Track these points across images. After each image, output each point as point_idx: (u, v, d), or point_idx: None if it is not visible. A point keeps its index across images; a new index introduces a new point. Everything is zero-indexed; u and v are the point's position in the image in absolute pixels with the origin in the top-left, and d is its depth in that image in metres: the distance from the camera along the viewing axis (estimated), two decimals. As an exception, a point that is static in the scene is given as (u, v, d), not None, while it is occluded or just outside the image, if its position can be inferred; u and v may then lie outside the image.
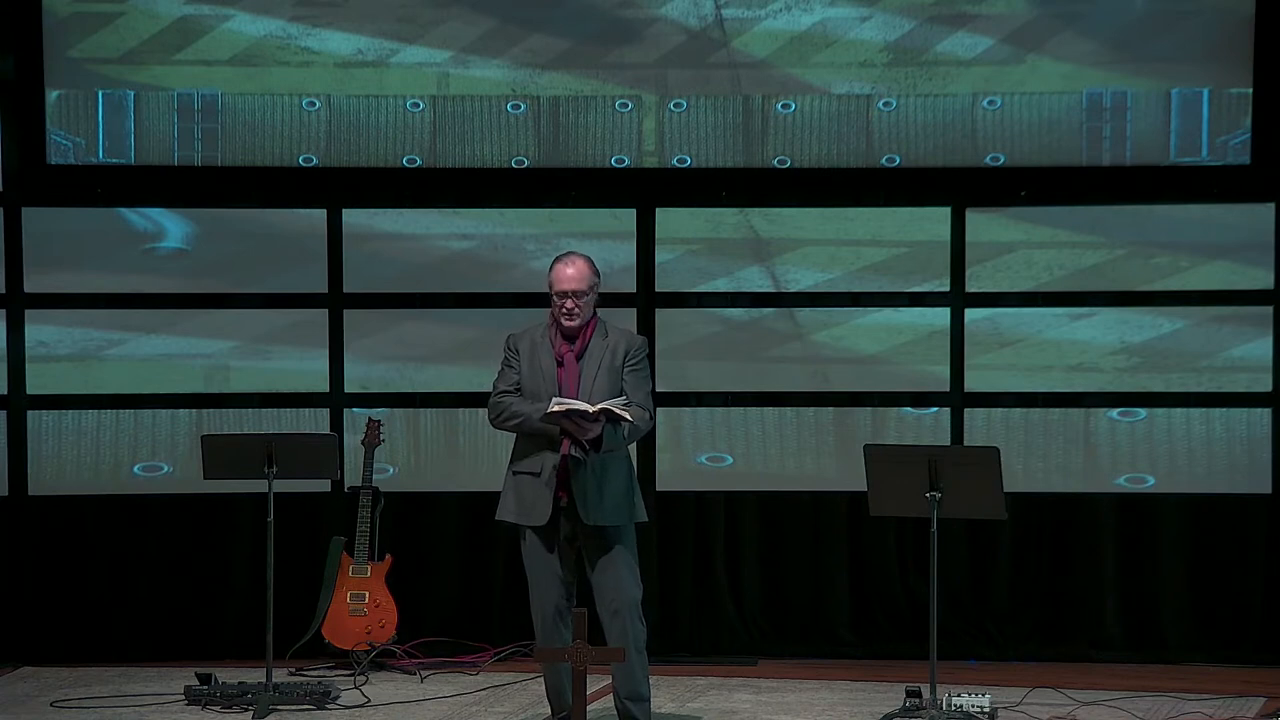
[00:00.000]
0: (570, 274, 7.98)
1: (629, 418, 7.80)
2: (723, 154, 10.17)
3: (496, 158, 10.21)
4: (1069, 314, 10.15)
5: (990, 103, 10.07)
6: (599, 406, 7.76)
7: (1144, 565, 10.12)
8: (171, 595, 10.23)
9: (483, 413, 10.21)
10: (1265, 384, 10.06)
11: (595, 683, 9.15)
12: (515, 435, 8.08)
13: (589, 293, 7.99)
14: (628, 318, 10.06)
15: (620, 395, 7.91)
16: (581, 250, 10.41)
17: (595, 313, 8.09)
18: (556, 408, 7.77)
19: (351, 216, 10.26)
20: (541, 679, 9.47)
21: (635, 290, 10.22)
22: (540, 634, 8.02)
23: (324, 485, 9.88)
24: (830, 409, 10.22)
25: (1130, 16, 10.01)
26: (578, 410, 7.76)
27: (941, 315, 10.19)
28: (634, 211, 10.26)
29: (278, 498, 8.82)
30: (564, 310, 7.98)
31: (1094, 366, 10.16)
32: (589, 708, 7.61)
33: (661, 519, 10.08)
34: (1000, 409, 10.16)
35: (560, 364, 7.97)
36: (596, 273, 8.07)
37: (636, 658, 7.98)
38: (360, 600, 9.79)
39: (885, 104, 10.10)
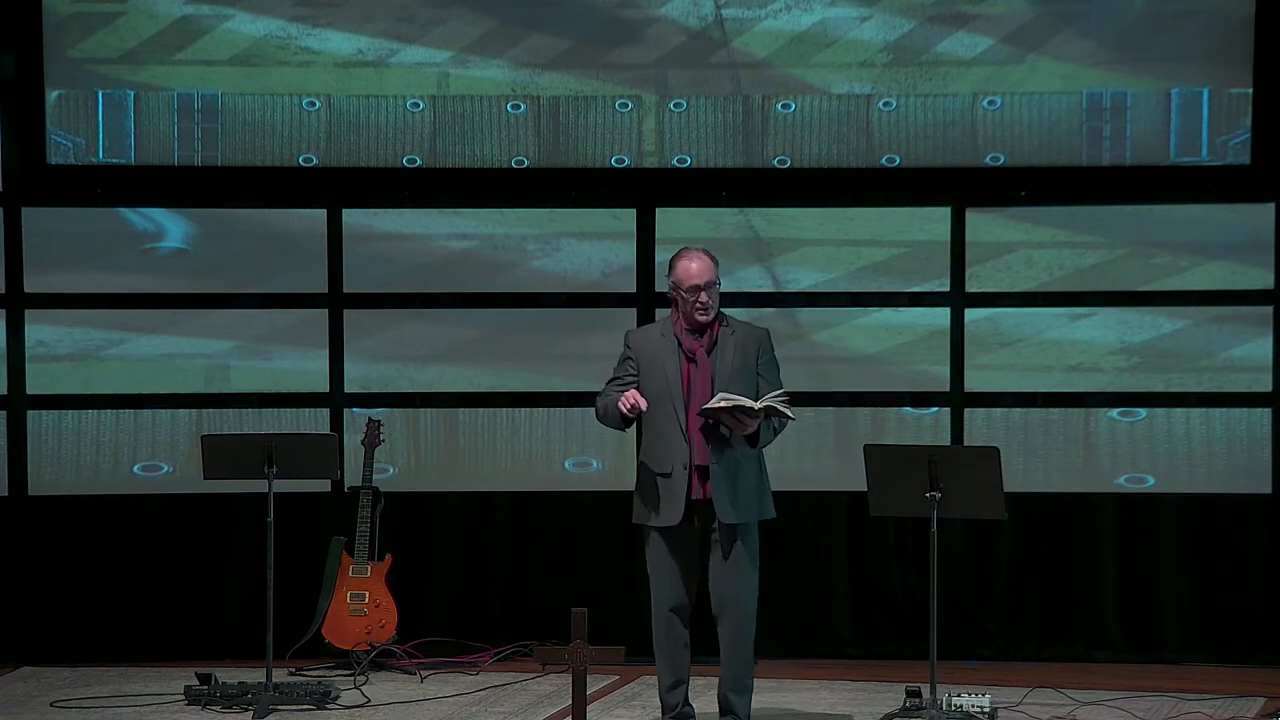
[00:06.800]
0: (698, 268, 7.85)
1: (791, 415, 7.77)
2: (723, 154, 10.17)
3: (496, 158, 10.20)
4: (1069, 314, 10.15)
5: (990, 103, 10.07)
6: (763, 403, 7.69)
7: (1144, 565, 10.12)
8: (171, 595, 10.22)
9: (484, 413, 10.31)
10: (1265, 384, 10.05)
11: (595, 683, 9.15)
12: (642, 436, 8.00)
13: (718, 283, 7.90)
14: (628, 318, 10.06)
15: (755, 393, 7.86)
16: (581, 250, 10.41)
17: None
18: (722, 403, 7.67)
19: (351, 216, 10.25)
20: (541, 679, 9.51)
21: (635, 290, 10.22)
22: (656, 631, 7.91)
23: (324, 485, 9.88)
24: (830, 409, 10.21)
25: (1130, 16, 10.01)
26: (743, 406, 7.68)
27: (941, 315, 10.18)
28: (634, 211, 10.24)
29: (278, 498, 8.81)
30: (699, 306, 7.85)
31: (1094, 366, 10.15)
32: (589, 708, 7.59)
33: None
34: (1000, 409, 10.16)
35: (692, 360, 7.86)
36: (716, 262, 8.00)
37: (745, 651, 7.93)
38: (360, 600, 9.79)
39: (885, 104, 10.10)
